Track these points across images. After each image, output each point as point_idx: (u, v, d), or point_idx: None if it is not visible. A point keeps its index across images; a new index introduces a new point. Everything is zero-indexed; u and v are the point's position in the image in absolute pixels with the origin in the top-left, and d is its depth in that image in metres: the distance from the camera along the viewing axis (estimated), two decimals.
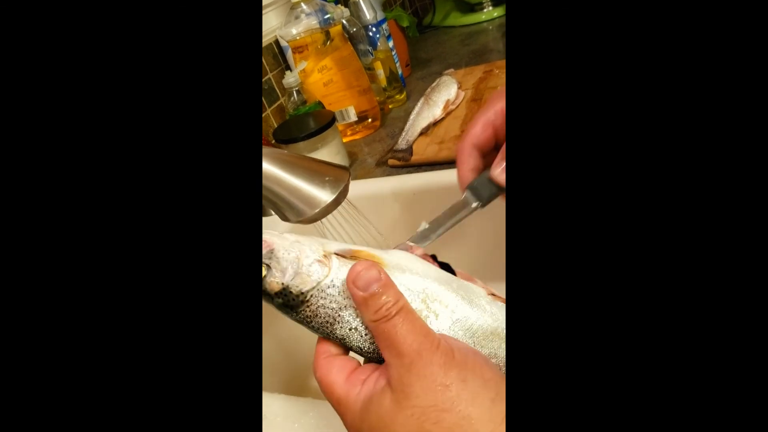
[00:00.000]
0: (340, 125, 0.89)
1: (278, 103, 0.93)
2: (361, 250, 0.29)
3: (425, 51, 1.20)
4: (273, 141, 0.76)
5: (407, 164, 0.74)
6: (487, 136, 0.35)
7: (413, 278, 0.28)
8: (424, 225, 0.35)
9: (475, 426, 0.22)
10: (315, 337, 0.29)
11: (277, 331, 0.66)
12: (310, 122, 0.74)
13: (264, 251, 0.28)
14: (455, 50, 1.15)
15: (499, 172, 0.33)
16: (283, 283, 0.27)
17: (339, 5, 0.92)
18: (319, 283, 0.28)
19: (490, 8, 1.27)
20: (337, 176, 0.32)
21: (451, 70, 0.97)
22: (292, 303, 0.28)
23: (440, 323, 0.28)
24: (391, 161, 0.75)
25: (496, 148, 0.35)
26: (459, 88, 0.87)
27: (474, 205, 0.34)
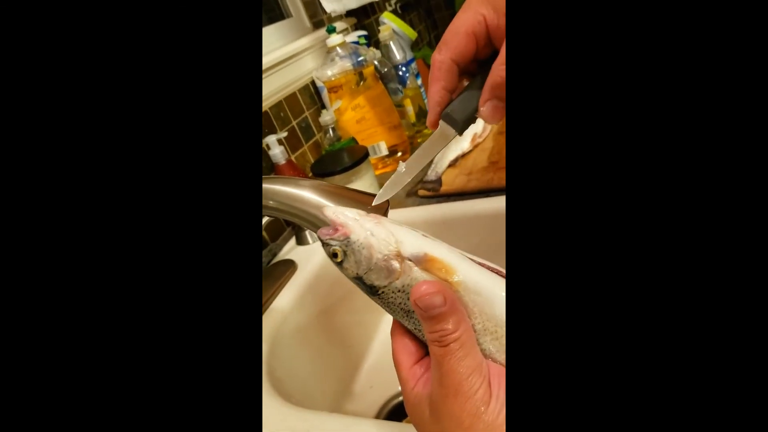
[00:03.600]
0: (372, 159, 0.94)
1: (314, 139, 0.98)
2: (435, 258, 0.28)
3: None
4: (310, 174, 0.81)
5: (437, 194, 0.77)
6: (471, 48, 0.30)
7: (482, 300, 0.28)
8: (402, 167, 0.33)
9: None
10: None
11: (317, 350, 0.69)
12: (344, 157, 0.79)
13: (340, 235, 0.29)
14: None
15: (486, 109, 0.30)
16: (357, 273, 0.29)
17: (371, 48, 0.99)
18: (390, 283, 0.28)
19: None
20: (378, 205, 0.35)
21: None
22: (367, 290, 0.29)
23: (500, 348, 0.28)
24: (421, 192, 0.79)
25: (474, 60, 0.31)
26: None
27: (451, 133, 0.32)
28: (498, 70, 0.29)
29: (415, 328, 0.29)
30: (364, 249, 0.28)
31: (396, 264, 0.28)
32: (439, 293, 0.26)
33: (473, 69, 0.32)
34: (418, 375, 0.29)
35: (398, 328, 0.30)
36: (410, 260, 0.28)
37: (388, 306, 0.29)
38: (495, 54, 0.30)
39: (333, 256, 0.29)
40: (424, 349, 0.30)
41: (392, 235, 0.29)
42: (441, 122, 0.31)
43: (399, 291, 0.28)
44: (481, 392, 0.25)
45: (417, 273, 0.28)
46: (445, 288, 0.27)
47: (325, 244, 0.30)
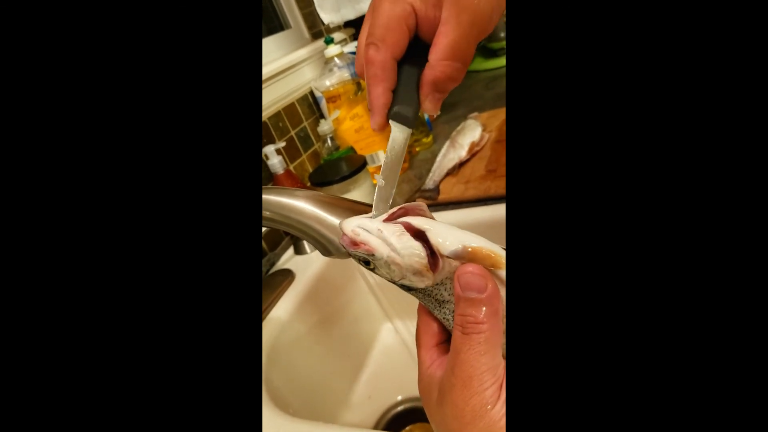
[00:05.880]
0: (370, 168, 0.94)
1: (313, 148, 0.99)
2: (481, 247, 0.27)
3: (450, 95, 1.25)
4: (309, 184, 0.81)
5: (435, 203, 0.77)
6: (406, 42, 0.29)
7: None
8: (381, 181, 0.32)
9: None
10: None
11: (286, 363, 0.69)
12: (342, 166, 0.79)
13: (364, 251, 0.28)
14: (479, 94, 1.20)
15: (429, 102, 0.30)
16: (391, 279, 0.29)
17: None
18: (426, 287, 0.28)
19: None
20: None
21: (476, 113, 1.02)
22: (401, 288, 0.29)
23: None
24: (419, 200, 0.79)
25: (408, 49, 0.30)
26: (483, 130, 0.91)
27: (407, 132, 0.31)
28: (440, 65, 0.28)
29: (443, 318, 0.29)
30: (392, 265, 0.28)
31: (429, 275, 0.27)
32: (484, 278, 0.26)
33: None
34: (435, 356, 0.29)
35: (425, 308, 0.30)
36: (449, 257, 0.27)
37: (423, 298, 0.29)
38: (418, 42, 0.30)
39: (365, 263, 0.29)
40: (447, 333, 0.29)
41: (418, 243, 0.27)
42: (392, 123, 0.31)
43: (436, 288, 0.28)
44: (490, 392, 0.25)
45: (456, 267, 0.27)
46: (491, 277, 0.26)
47: (352, 254, 0.29)
